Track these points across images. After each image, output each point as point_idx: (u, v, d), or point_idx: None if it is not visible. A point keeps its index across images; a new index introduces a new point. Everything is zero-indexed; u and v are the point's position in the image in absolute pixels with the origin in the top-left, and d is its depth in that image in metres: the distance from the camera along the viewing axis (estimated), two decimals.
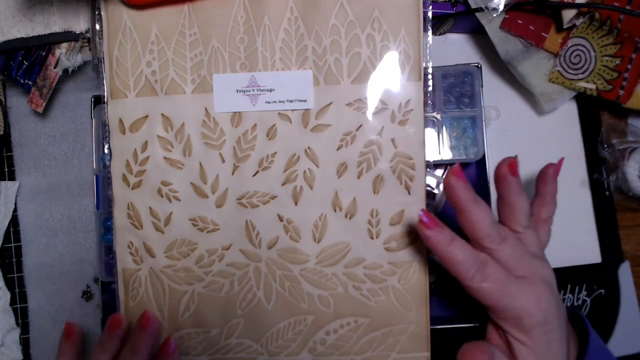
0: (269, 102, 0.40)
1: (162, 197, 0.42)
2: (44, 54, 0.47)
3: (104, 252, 0.46)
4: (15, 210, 0.52)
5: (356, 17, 0.39)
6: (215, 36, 0.41)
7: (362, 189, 0.40)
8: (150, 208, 0.42)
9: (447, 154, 0.45)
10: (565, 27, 0.43)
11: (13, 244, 0.52)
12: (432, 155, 0.44)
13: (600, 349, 0.38)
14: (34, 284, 0.52)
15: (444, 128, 0.45)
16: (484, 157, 0.45)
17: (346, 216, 0.40)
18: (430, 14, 0.39)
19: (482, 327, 0.38)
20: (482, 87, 0.45)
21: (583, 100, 0.48)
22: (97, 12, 0.42)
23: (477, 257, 0.34)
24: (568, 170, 0.49)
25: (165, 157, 0.42)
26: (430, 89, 0.40)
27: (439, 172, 0.48)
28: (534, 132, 0.49)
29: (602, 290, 0.48)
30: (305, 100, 0.40)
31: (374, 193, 0.40)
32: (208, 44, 0.41)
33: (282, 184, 0.41)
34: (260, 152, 0.41)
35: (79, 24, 0.46)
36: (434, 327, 0.41)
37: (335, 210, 0.40)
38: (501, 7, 0.43)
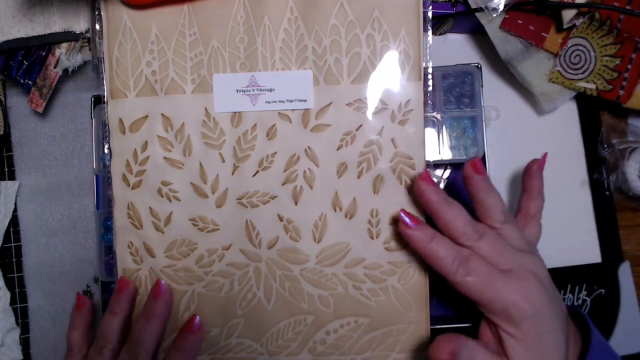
0: (269, 102, 0.40)
1: (162, 197, 0.42)
2: (44, 54, 0.47)
3: (104, 252, 0.46)
4: (15, 210, 0.52)
5: (356, 17, 0.39)
6: (215, 36, 0.41)
7: (362, 189, 0.40)
8: (150, 208, 0.42)
9: (447, 154, 0.45)
10: (565, 27, 0.43)
11: (13, 244, 0.52)
12: (432, 155, 0.44)
13: (603, 346, 0.38)
14: (34, 283, 0.52)
15: (444, 128, 0.45)
16: (484, 157, 0.45)
17: (346, 216, 0.40)
18: (430, 14, 0.39)
19: (477, 326, 0.38)
20: (482, 87, 0.45)
21: (583, 100, 0.48)
22: (96, 12, 0.42)
23: (459, 252, 0.35)
24: (568, 170, 0.49)
25: (165, 157, 0.42)
26: (430, 89, 0.40)
27: (439, 172, 0.48)
28: (534, 132, 0.49)
29: (602, 290, 0.48)
30: (305, 100, 0.40)
31: (374, 193, 0.40)
32: (208, 43, 0.41)
33: (282, 184, 0.41)
34: (260, 152, 0.41)
35: (79, 24, 0.46)
36: (433, 327, 0.41)
37: (335, 210, 0.40)
38: (501, 7, 0.43)
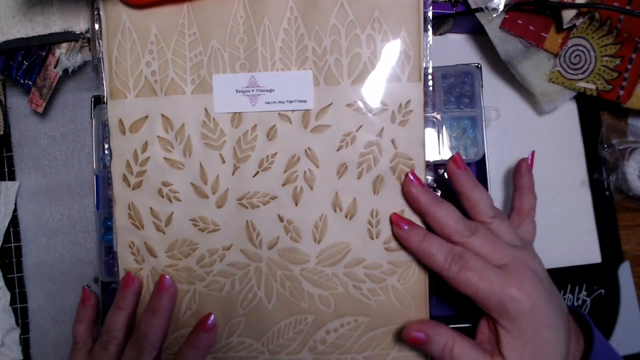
0: (268, 103, 0.40)
1: (163, 197, 0.42)
2: (44, 54, 0.47)
3: (104, 252, 0.46)
4: (15, 210, 0.52)
5: (356, 18, 0.39)
6: (215, 36, 0.41)
7: (362, 190, 0.40)
8: (151, 208, 0.42)
9: (447, 154, 0.45)
10: (565, 27, 0.43)
11: (13, 244, 0.52)
12: (432, 156, 0.44)
13: (606, 347, 0.38)
14: (34, 284, 0.52)
15: (444, 128, 0.45)
16: (484, 157, 0.45)
17: (346, 216, 0.40)
18: (430, 14, 0.39)
19: (476, 327, 0.38)
20: (482, 87, 0.45)
21: (583, 100, 0.48)
22: (95, 12, 0.42)
23: (451, 249, 0.36)
24: (568, 170, 0.49)
25: (165, 158, 0.42)
26: (430, 89, 0.40)
27: (439, 172, 0.48)
28: (534, 132, 0.49)
29: (602, 290, 0.48)
30: (305, 101, 0.40)
31: (374, 193, 0.40)
32: (208, 44, 0.41)
33: (283, 185, 0.41)
34: (261, 153, 0.41)
35: (79, 24, 0.46)
36: None
37: (335, 211, 0.40)
38: (501, 7, 0.43)
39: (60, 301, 0.51)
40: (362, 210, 0.40)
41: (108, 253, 0.46)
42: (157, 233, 0.42)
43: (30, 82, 0.48)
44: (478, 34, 0.49)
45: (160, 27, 0.41)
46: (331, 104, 0.40)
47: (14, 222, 0.52)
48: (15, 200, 0.52)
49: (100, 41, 0.42)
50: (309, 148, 0.40)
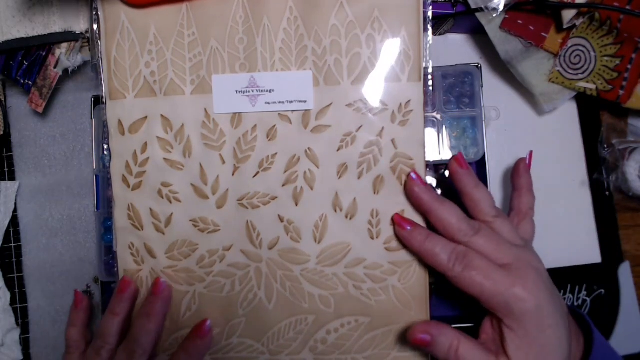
0: (268, 103, 0.40)
1: (163, 198, 0.42)
2: (44, 54, 0.47)
3: (104, 252, 0.46)
4: (15, 210, 0.52)
5: (356, 18, 0.39)
6: (214, 36, 0.41)
7: (363, 190, 0.40)
8: (150, 209, 0.42)
9: (447, 154, 0.45)
10: (565, 27, 0.43)
11: (13, 244, 0.52)
12: (432, 156, 0.44)
13: (605, 347, 0.38)
14: (34, 284, 0.52)
15: (444, 128, 0.45)
16: (484, 157, 0.45)
17: (346, 216, 0.40)
18: (430, 14, 0.39)
19: (478, 327, 0.38)
20: (482, 87, 0.45)
21: (583, 100, 0.48)
22: (94, 12, 0.42)
23: (455, 248, 0.36)
24: (568, 170, 0.49)
25: (165, 159, 0.42)
26: (430, 89, 0.40)
27: (440, 172, 0.48)
28: (534, 132, 0.49)
29: (602, 290, 0.48)
30: (305, 101, 0.40)
31: (375, 193, 0.40)
32: (207, 44, 0.41)
33: (283, 185, 0.41)
34: (261, 153, 0.41)
35: (79, 24, 0.46)
36: None
37: (335, 211, 0.40)
38: (501, 7, 0.43)
39: (60, 301, 0.51)
40: (363, 210, 0.40)
41: (108, 253, 0.46)
42: (156, 234, 0.42)
43: (30, 82, 0.48)
44: (478, 34, 0.49)
45: (159, 27, 0.41)
46: (331, 104, 0.40)
47: (14, 222, 0.52)
48: (15, 200, 0.52)
49: (99, 41, 0.42)
50: (309, 148, 0.40)
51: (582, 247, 0.48)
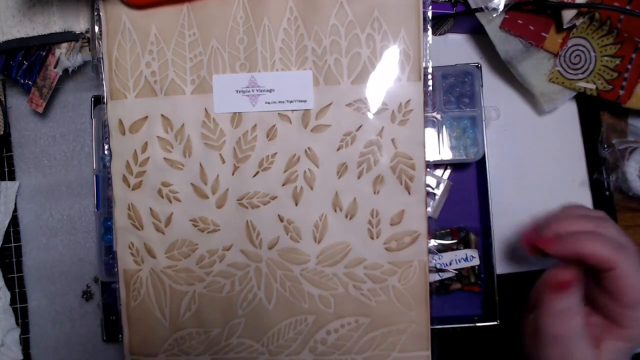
0: (268, 103, 0.40)
1: (163, 197, 0.42)
2: (44, 54, 0.47)
3: (104, 252, 0.46)
4: (15, 210, 0.52)
5: (356, 17, 0.39)
6: (215, 36, 0.41)
7: (363, 189, 0.40)
8: (150, 209, 0.42)
9: (447, 154, 0.45)
10: (565, 27, 0.43)
11: (13, 244, 0.52)
12: (432, 155, 0.44)
13: None
14: (34, 284, 0.52)
15: (444, 128, 0.45)
16: (484, 157, 0.45)
17: (346, 216, 0.40)
18: (430, 14, 0.39)
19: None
20: (482, 87, 0.45)
21: (583, 100, 0.48)
22: (95, 13, 0.42)
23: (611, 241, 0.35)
24: (568, 170, 0.49)
25: (165, 158, 0.42)
26: (430, 89, 0.40)
27: (439, 172, 0.48)
28: (534, 132, 0.49)
29: None
30: (305, 101, 0.40)
31: (374, 193, 0.40)
32: (207, 44, 0.41)
33: (283, 185, 0.41)
34: (261, 153, 0.41)
35: (79, 24, 0.46)
36: (434, 327, 0.41)
37: (335, 211, 0.40)
38: (501, 7, 0.43)
39: (60, 301, 0.51)
40: (362, 210, 0.40)
41: (108, 253, 0.46)
42: (156, 234, 0.42)
43: (30, 82, 0.48)
44: (478, 34, 0.49)
45: (160, 27, 0.41)
46: (331, 103, 0.40)
47: (14, 222, 0.52)
48: (15, 200, 0.52)
49: (100, 42, 0.42)
50: (309, 148, 0.40)
51: None
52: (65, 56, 0.47)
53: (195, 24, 0.41)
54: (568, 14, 0.42)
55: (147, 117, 0.42)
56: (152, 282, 0.42)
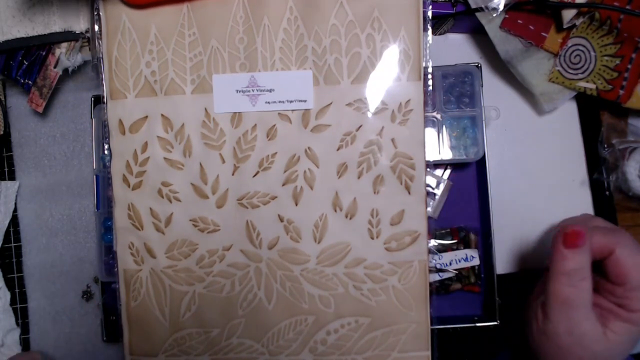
0: (268, 103, 0.40)
1: (163, 197, 0.42)
2: (44, 53, 0.47)
3: (104, 252, 0.46)
4: (15, 210, 0.52)
5: (356, 17, 0.39)
6: (215, 36, 0.41)
7: (363, 189, 0.40)
8: (150, 209, 0.42)
9: (447, 154, 0.45)
10: (565, 27, 0.43)
11: (13, 244, 0.52)
12: (432, 155, 0.44)
13: None
14: (34, 284, 0.52)
15: (444, 128, 0.45)
16: (484, 157, 0.45)
17: (346, 216, 0.40)
18: (430, 14, 0.39)
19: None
20: (482, 87, 0.45)
21: (583, 100, 0.48)
22: (95, 12, 0.42)
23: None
24: (568, 170, 0.49)
25: (165, 158, 0.42)
26: (430, 89, 0.40)
27: (439, 172, 0.48)
28: (534, 132, 0.49)
29: None
30: (305, 101, 0.40)
31: (374, 193, 0.40)
32: (207, 44, 0.41)
33: (283, 185, 0.41)
34: (261, 153, 0.41)
35: (79, 23, 0.46)
36: (434, 327, 0.41)
37: (335, 211, 0.40)
38: (501, 7, 0.43)
39: (60, 301, 0.51)
40: (363, 210, 0.40)
41: (108, 253, 0.46)
42: (156, 233, 0.42)
43: (30, 82, 0.48)
44: (478, 34, 0.49)
45: (160, 27, 0.41)
46: (331, 103, 0.40)
47: (14, 222, 0.52)
48: (15, 200, 0.52)
49: (100, 41, 0.42)
50: (309, 148, 0.40)
51: None
52: (65, 56, 0.47)
53: (195, 24, 0.41)
54: (568, 14, 0.42)
55: (147, 117, 0.42)
56: (152, 282, 0.42)
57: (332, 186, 0.40)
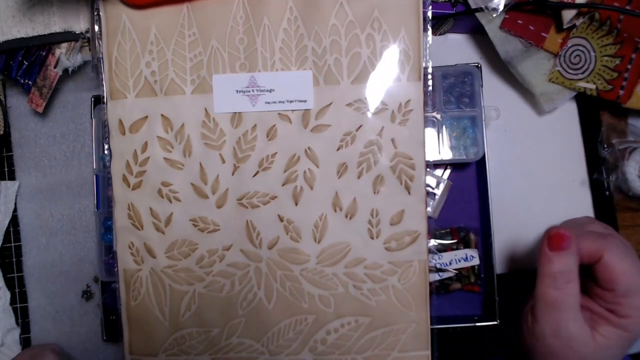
0: (268, 103, 0.40)
1: (163, 197, 0.42)
2: (44, 54, 0.47)
3: (104, 252, 0.46)
4: (15, 210, 0.52)
5: (356, 17, 0.39)
6: (215, 36, 0.41)
7: (362, 189, 0.40)
8: (150, 209, 0.42)
9: (447, 154, 0.45)
10: (565, 27, 0.43)
11: (13, 244, 0.52)
12: (432, 155, 0.44)
13: None
14: (34, 283, 0.52)
15: (444, 128, 0.45)
16: (484, 157, 0.45)
17: (346, 216, 0.40)
18: (430, 14, 0.39)
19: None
20: (482, 87, 0.45)
21: (583, 100, 0.48)
22: (95, 13, 0.42)
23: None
24: (568, 170, 0.49)
25: (165, 158, 0.42)
26: (430, 89, 0.40)
27: (439, 172, 0.48)
28: (534, 132, 0.49)
29: None
30: (305, 101, 0.40)
31: (374, 193, 0.40)
32: (207, 44, 0.41)
33: (283, 184, 0.41)
34: (261, 153, 0.41)
35: (79, 24, 0.46)
36: (434, 327, 0.41)
37: (335, 211, 0.40)
38: (501, 7, 0.43)
39: (60, 301, 0.51)
40: (362, 210, 0.40)
41: (108, 253, 0.46)
42: (156, 233, 0.42)
43: (30, 82, 0.48)
44: (478, 34, 0.49)
45: (160, 27, 0.41)
46: (331, 103, 0.40)
47: (14, 222, 0.52)
48: (15, 200, 0.52)
49: (100, 42, 0.42)
50: (308, 148, 0.40)
51: None
52: (65, 56, 0.47)
53: (195, 24, 0.41)
54: (568, 14, 0.42)
55: (147, 117, 0.42)
56: (152, 282, 0.42)
57: (332, 186, 0.40)
